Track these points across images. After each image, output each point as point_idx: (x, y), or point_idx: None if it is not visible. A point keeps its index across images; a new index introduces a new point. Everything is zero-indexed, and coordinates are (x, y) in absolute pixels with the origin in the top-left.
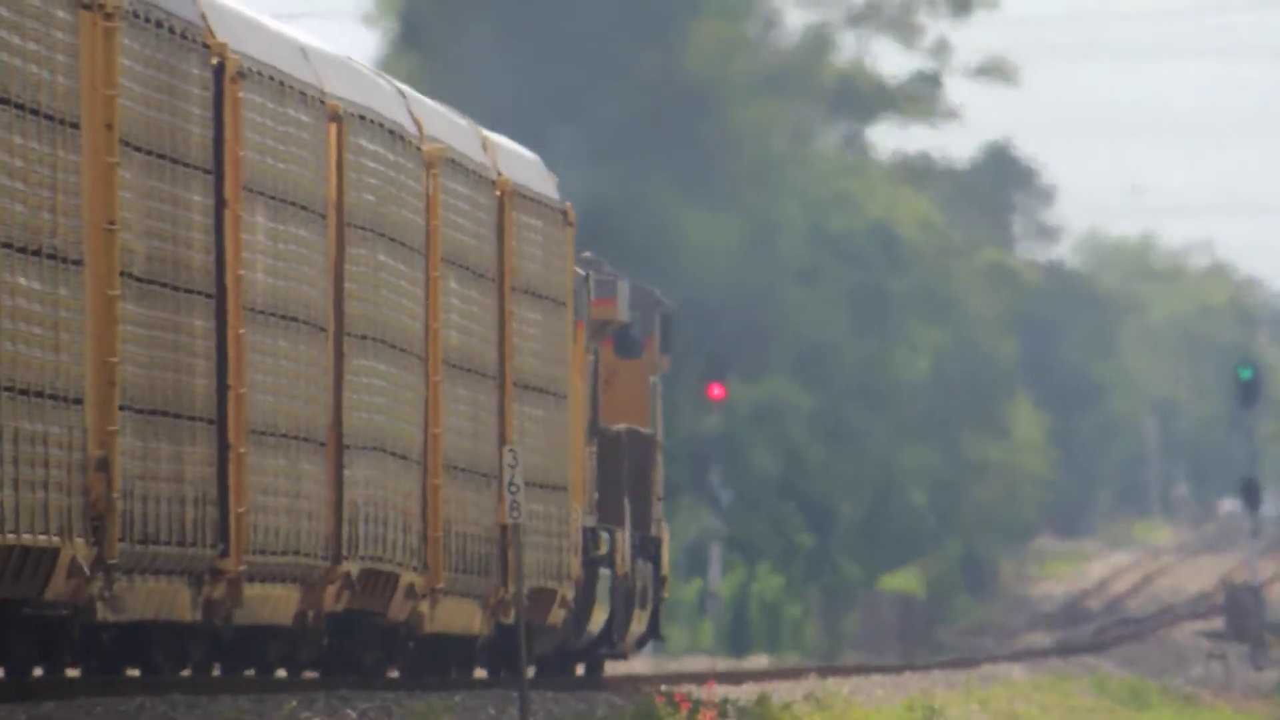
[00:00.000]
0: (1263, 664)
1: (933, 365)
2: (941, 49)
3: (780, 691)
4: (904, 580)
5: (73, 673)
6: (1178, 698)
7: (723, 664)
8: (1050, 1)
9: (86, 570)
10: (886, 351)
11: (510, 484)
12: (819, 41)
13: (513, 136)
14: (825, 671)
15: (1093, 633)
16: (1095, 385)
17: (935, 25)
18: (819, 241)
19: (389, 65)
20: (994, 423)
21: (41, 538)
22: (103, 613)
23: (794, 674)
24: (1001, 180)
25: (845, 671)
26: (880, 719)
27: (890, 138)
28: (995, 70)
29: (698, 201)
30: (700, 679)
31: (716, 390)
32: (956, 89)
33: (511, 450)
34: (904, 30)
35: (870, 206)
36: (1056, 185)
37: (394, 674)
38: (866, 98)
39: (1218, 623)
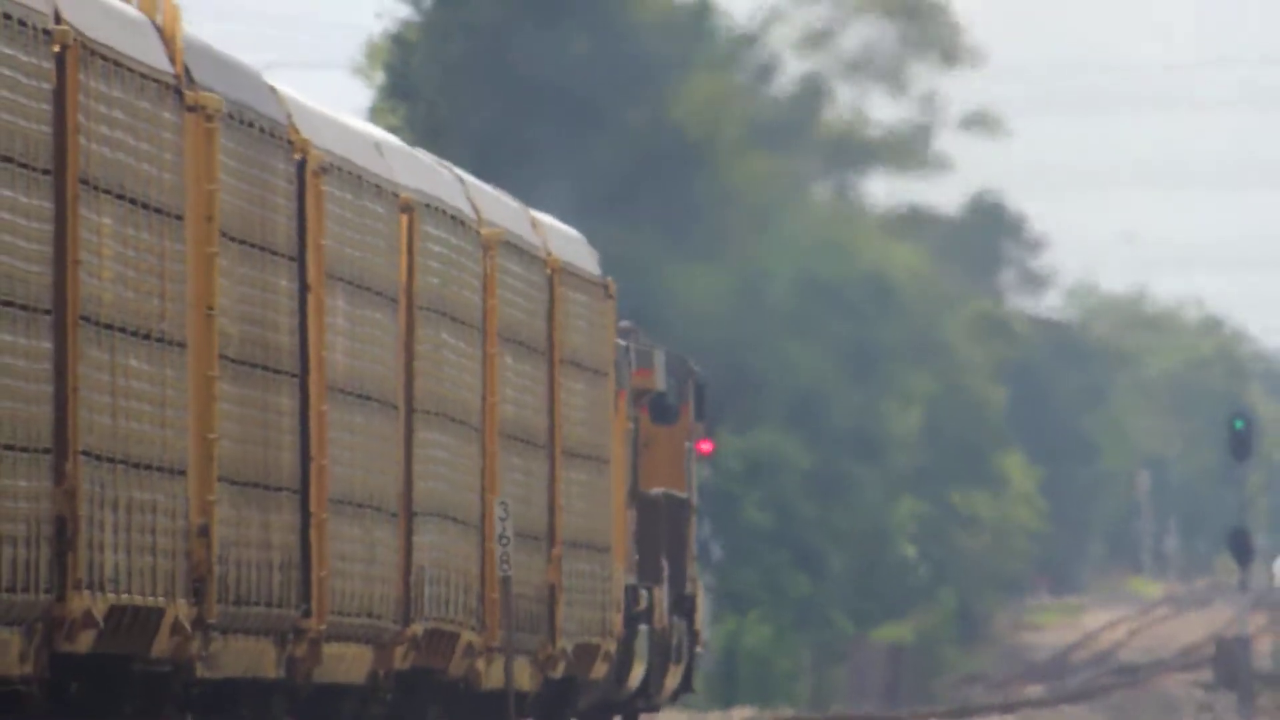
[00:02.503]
0: (1249, 715)
1: (923, 417)
2: (930, 100)
3: None
4: (895, 632)
5: None
6: None
7: (713, 716)
8: (1039, 52)
9: (188, 629)
10: (877, 403)
11: (500, 536)
12: (812, 94)
13: (502, 187)
14: None
15: (1083, 683)
16: (1087, 440)
17: (925, 76)
18: (809, 292)
19: (377, 117)
20: (985, 475)
21: (150, 598)
22: (201, 670)
23: None
24: (991, 230)
25: None
26: None
27: (880, 188)
28: (982, 122)
29: (687, 253)
30: None
31: (705, 445)
32: (946, 140)
33: (502, 503)
34: (894, 81)
35: (861, 256)
36: (1046, 235)
37: None
38: (859, 150)
39: (1207, 674)
